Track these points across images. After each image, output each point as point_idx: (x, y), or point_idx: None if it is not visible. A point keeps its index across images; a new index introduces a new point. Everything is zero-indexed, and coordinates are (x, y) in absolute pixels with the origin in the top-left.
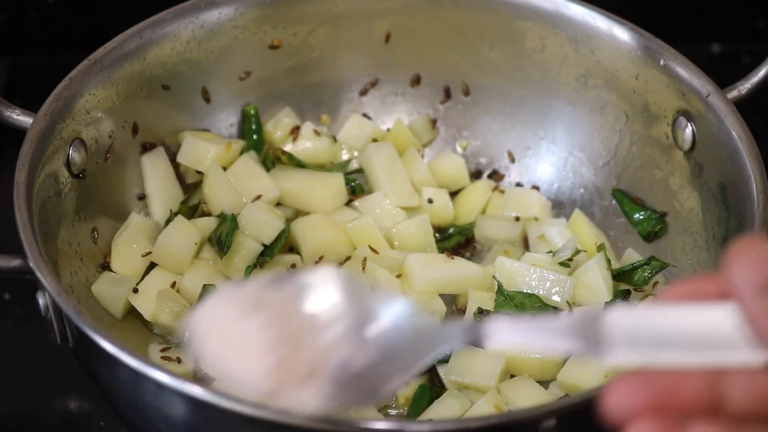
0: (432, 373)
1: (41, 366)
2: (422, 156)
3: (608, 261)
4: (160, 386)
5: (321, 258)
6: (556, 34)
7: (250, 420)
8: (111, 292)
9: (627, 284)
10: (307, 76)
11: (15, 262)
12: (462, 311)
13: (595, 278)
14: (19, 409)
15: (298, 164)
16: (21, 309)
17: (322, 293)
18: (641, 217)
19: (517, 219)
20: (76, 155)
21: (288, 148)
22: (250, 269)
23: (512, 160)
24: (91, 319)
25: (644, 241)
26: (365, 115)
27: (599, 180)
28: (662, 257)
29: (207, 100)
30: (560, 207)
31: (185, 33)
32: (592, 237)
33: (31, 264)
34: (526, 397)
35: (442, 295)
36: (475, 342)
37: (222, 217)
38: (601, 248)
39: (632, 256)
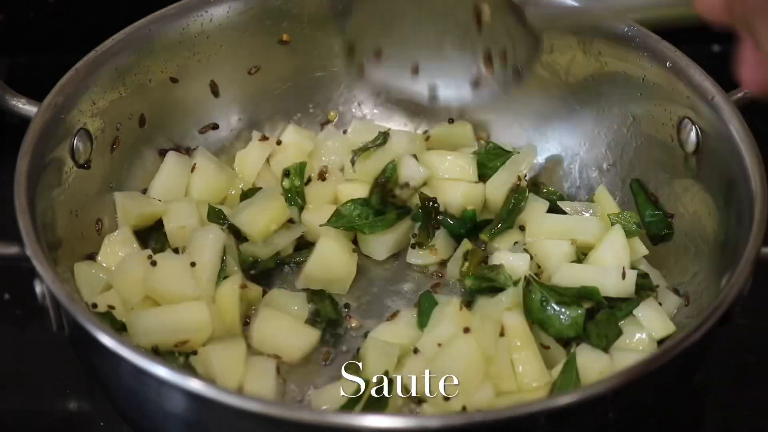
0: None
1: (41, 366)
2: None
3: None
4: (148, 375)
5: None
6: (565, 36)
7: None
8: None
9: None
10: (316, 71)
11: (12, 250)
12: None
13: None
14: (19, 409)
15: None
16: (21, 309)
17: None
18: (652, 218)
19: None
20: (81, 145)
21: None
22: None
23: None
24: (84, 308)
25: (650, 242)
26: (373, 111)
27: (605, 181)
28: (665, 260)
29: (215, 93)
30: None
31: (194, 26)
32: (614, 209)
33: (28, 252)
34: None
35: None
36: None
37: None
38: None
39: (639, 248)
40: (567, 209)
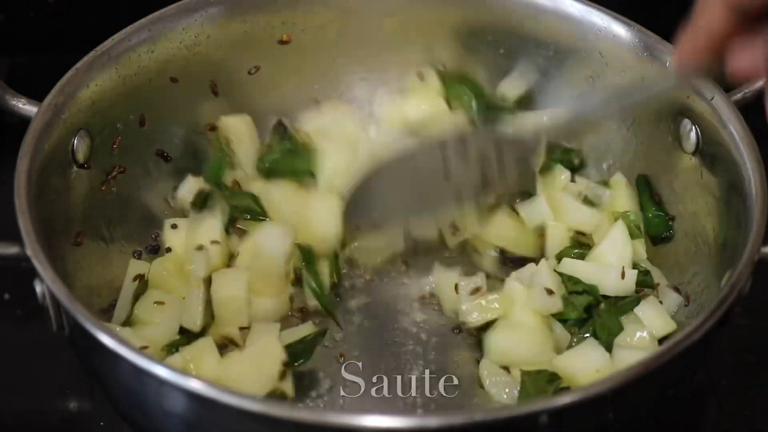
0: None
1: (41, 366)
2: None
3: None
4: (148, 374)
5: None
6: (565, 35)
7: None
8: None
9: None
10: (317, 71)
11: (12, 250)
12: None
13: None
14: (19, 409)
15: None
16: (21, 309)
17: None
18: (655, 218)
19: None
20: (81, 145)
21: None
22: None
23: None
24: (84, 308)
25: (651, 243)
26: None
27: (605, 181)
28: (666, 259)
29: (215, 93)
30: None
31: (194, 26)
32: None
33: (28, 252)
34: None
35: None
36: None
37: None
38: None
39: (639, 250)
40: (582, 187)
